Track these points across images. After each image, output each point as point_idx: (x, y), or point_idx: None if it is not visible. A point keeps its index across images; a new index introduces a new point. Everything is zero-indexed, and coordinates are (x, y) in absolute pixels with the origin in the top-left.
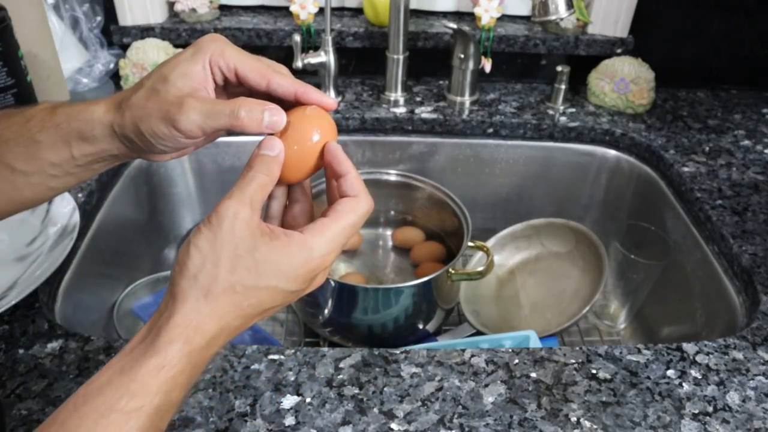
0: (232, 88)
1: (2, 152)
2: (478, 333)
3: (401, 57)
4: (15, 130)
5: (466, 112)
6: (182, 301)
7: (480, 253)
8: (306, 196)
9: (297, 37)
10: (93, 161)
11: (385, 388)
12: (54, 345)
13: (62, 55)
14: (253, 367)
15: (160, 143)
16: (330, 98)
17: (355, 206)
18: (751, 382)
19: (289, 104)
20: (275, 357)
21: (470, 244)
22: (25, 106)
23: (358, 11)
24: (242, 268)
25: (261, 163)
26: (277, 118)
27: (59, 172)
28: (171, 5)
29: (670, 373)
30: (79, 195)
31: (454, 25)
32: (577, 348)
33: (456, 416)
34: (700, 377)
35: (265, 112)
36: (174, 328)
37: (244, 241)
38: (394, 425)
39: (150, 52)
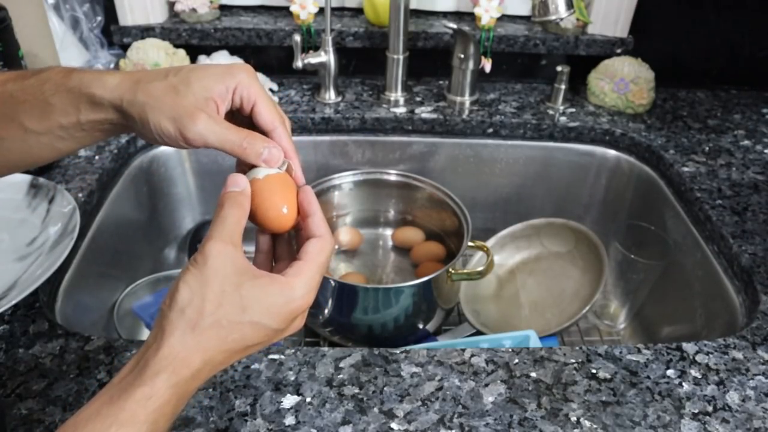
0: (240, 115)
1: (18, 112)
2: (478, 333)
3: (401, 57)
4: (30, 92)
5: (466, 112)
6: (170, 333)
7: (480, 253)
8: (291, 253)
9: (297, 37)
10: (94, 129)
11: (385, 388)
12: (54, 345)
13: (62, 55)
14: (253, 366)
15: (159, 136)
16: (302, 177)
17: (324, 246)
18: (750, 381)
19: None
20: (275, 357)
21: (470, 244)
22: (37, 69)
23: (358, 11)
24: (228, 304)
25: (231, 200)
26: (276, 153)
27: (66, 135)
28: (171, 5)
29: (669, 372)
30: (80, 195)
31: (454, 25)
32: (577, 348)
33: (456, 416)
34: (699, 377)
35: (265, 149)
36: (161, 360)
37: (229, 278)
38: (394, 425)
39: (150, 52)
